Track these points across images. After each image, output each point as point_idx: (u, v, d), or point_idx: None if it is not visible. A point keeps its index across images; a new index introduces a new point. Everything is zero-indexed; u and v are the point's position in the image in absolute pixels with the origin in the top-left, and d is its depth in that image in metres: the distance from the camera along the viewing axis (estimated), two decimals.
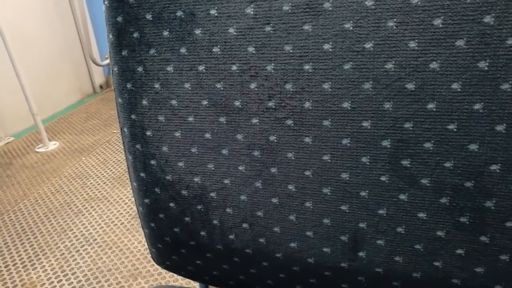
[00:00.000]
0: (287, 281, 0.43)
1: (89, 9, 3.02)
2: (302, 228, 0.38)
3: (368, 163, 0.33)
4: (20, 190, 1.86)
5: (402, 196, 0.34)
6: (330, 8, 0.30)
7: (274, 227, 0.40)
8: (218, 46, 0.34)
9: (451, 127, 0.30)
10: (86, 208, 1.67)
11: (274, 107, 0.35)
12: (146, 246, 1.40)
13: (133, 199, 1.66)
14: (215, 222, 0.42)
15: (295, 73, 0.33)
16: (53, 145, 2.33)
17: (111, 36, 0.38)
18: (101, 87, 3.35)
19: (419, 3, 0.28)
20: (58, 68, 2.92)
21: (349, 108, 0.32)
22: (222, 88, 0.36)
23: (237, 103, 0.36)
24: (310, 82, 0.33)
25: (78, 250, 1.41)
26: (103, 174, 1.94)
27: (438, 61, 0.29)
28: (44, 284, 1.26)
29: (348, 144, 0.33)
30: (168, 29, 0.35)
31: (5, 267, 1.35)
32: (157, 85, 0.38)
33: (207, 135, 0.38)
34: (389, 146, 0.32)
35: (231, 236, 0.42)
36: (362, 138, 0.33)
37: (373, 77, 0.31)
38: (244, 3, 0.32)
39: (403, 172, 0.33)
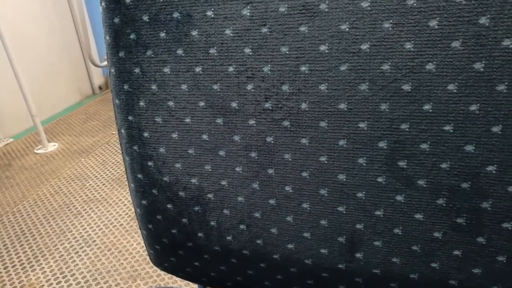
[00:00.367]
0: (285, 282, 0.43)
1: (88, 10, 3.02)
2: (299, 230, 0.38)
3: (364, 164, 0.33)
4: (19, 191, 1.86)
5: (398, 197, 0.34)
6: (326, 10, 0.30)
7: (272, 228, 0.40)
8: (215, 48, 0.34)
9: (447, 128, 0.30)
10: (85, 209, 1.67)
11: (271, 108, 0.35)
12: (145, 248, 1.40)
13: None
14: (212, 223, 0.42)
15: (291, 74, 0.33)
16: (52, 147, 2.33)
17: (108, 38, 0.38)
18: (100, 88, 3.35)
19: (414, 4, 0.28)
20: (57, 69, 2.92)
21: (346, 109, 0.32)
22: (219, 90, 0.36)
23: (234, 104, 0.36)
24: (307, 83, 0.33)
25: (77, 252, 1.40)
26: (102, 175, 1.94)
27: (434, 62, 0.29)
28: (43, 286, 1.26)
29: (345, 145, 0.33)
30: (164, 31, 0.35)
31: (4, 268, 1.35)
32: (154, 87, 0.38)
33: (204, 136, 0.38)
34: (385, 147, 0.32)
35: (229, 238, 0.42)
36: (358, 139, 0.33)
37: (370, 78, 0.31)
38: (240, 4, 0.32)
39: (400, 173, 0.33)
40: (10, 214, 1.68)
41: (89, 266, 1.33)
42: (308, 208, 0.37)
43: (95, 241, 1.45)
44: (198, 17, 0.34)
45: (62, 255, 1.39)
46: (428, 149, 0.31)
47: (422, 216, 0.33)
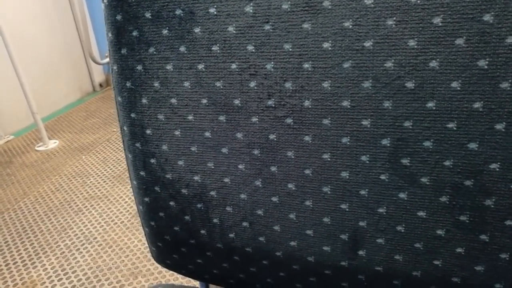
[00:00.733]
0: (287, 279, 0.43)
1: (88, 7, 3.02)
2: (302, 227, 0.38)
3: (367, 162, 0.33)
4: (20, 188, 1.86)
5: (401, 195, 0.34)
6: (330, 7, 0.30)
7: (274, 225, 0.40)
8: (218, 45, 0.34)
9: (450, 125, 0.30)
10: (86, 206, 1.67)
11: (273, 105, 0.34)
12: (146, 245, 1.40)
13: (133, 197, 1.66)
14: (215, 220, 0.42)
15: (294, 71, 0.33)
16: (53, 144, 2.33)
17: (110, 35, 0.38)
18: (100, 85, 3.35)
19: (418, 1, 0.28)
20: (58, 67, 2.92)
21: (349, 106, 0.32)
22: (221, 87, 0.35)
23: (236, 102, 0.36)
24: (310, 81, 0.32)
25: (79, 249, 1.41)
26: (103, 172, 1.94)
27: (438, 59, 0.29)
28: (44, 282, 1.26)
29: (348, 143, 0.33)
30: (167, 28, 0.35)
31: (6, 265, 1.35)
32: (156, 84, 0.38)
33: (207, 134, 0.38)
34: (388, 144, 0.32)
35: (231, 235, 0.42)
36: (361, 137, 0.33)
37: (373, 75, 0.31)
38: (243, 1, 0.32)
39: (403, 170, 0.33)
40: (11, 211, 1.68)
41: (90, 263, 1.33)
42: (311, 206, 0.37)
43: (96, 238, 1.46)
44: (200, 14, 0.34)
45: (63, 252, 1.40)
46: (431, 147, 0.31)
47: (425, 214, 0.33)
